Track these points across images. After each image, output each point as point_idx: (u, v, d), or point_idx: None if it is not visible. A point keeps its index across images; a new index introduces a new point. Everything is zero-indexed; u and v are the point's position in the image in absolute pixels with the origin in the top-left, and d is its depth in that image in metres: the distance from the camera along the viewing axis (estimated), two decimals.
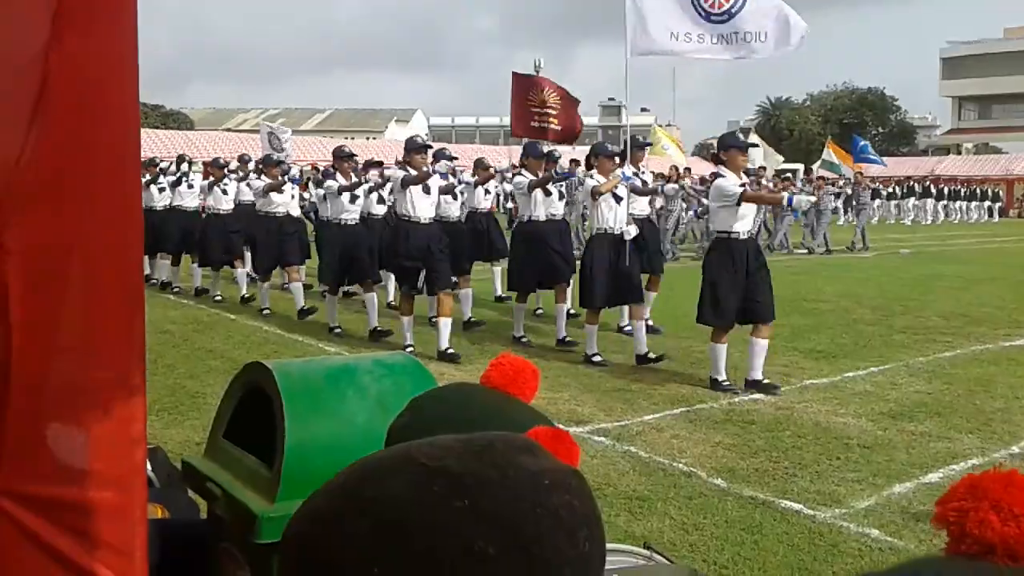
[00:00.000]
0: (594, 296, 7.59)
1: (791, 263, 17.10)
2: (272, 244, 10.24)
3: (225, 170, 12.14)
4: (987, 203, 39.58)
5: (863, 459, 5.11)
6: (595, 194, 7.61)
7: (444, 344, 7.71)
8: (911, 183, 38.82)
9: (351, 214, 9.12)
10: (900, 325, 9.71)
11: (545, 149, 9.55)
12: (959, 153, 59.89)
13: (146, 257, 12.63)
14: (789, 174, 28.07)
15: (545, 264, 8.42)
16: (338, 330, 9.02)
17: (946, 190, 38.63)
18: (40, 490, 1.37)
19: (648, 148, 10.19)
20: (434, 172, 8.05)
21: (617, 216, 7.65)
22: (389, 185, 9.76)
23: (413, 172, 7.87)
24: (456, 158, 9.70)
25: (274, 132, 18.79)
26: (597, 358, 7.61)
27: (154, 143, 34.95)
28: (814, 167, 25.64)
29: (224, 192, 11.63)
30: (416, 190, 7.79)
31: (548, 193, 8.56)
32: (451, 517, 0.59)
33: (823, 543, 3.95)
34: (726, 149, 6.83)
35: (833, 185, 24.44)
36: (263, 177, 10.69)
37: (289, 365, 2.02)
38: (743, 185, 6.72)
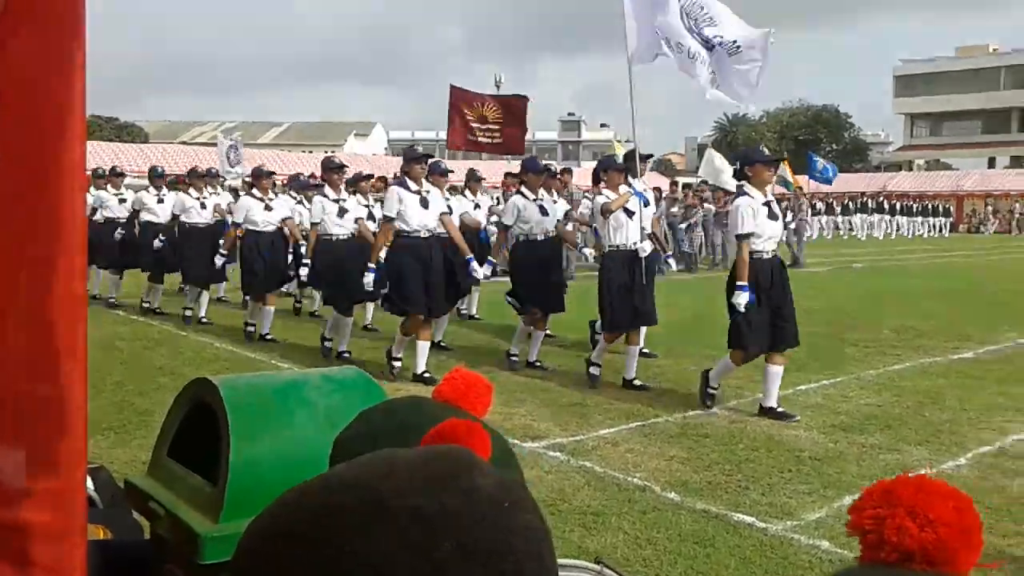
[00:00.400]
0: (619, 323, 7.28)
1: None
2: (259, 263, 9.53)
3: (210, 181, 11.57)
4: (938, 218, 40.48)
5: (814, 471, 5.17)
6: (605, 211, 7.31)
7: (421, 368, 7.47)
8: (864, 199, 39.61)
9: (343, 229, 8.69)
10: (852, 338, 9.84)
11: (543, 163, 9.01)
12: (911, 169, 61.14)
13: (107, 272, 12.29)
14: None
15: (543, 292, 8.00)
16: (347, 355, 8.52)
17: (898, 205, 39.51)
18: None
19: (651, 159, 9.47)
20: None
21: (629, 232, 7.34)
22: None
23: (411, 184, 7.50)
24: (452, 171, 9.31)
25: (235, 144, 18.61)
26: (595, 370, 7.40)
27: (107, 156, 34.42)
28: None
29: (203, 206, 10.91)
30: (413, 204, 7.43)
31: (545, 213, 8.19)
32: (438, 562, 0.58)
33: (774, 555, 3.98)
34: (751, 164, 6.47)
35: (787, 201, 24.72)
36: (255, 191, 9.87)
37: (235, 380, 2.00)
38: (767, 203, 6.41)
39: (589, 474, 5.09)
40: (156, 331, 10.05)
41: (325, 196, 8.79)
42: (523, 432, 5.90)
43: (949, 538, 0.67)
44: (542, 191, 8.36)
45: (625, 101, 7.70)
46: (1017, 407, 6.68)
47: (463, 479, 0.63)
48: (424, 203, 7.46)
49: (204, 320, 10.61)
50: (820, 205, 35.79)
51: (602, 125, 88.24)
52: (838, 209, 37.93)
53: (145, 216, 11.66)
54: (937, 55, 69.33)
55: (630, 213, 7.37)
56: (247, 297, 10.33)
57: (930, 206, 40.85)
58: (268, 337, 9.41)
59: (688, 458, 5.41)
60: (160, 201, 11.73)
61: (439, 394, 1.17)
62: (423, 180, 7.62)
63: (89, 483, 2.21)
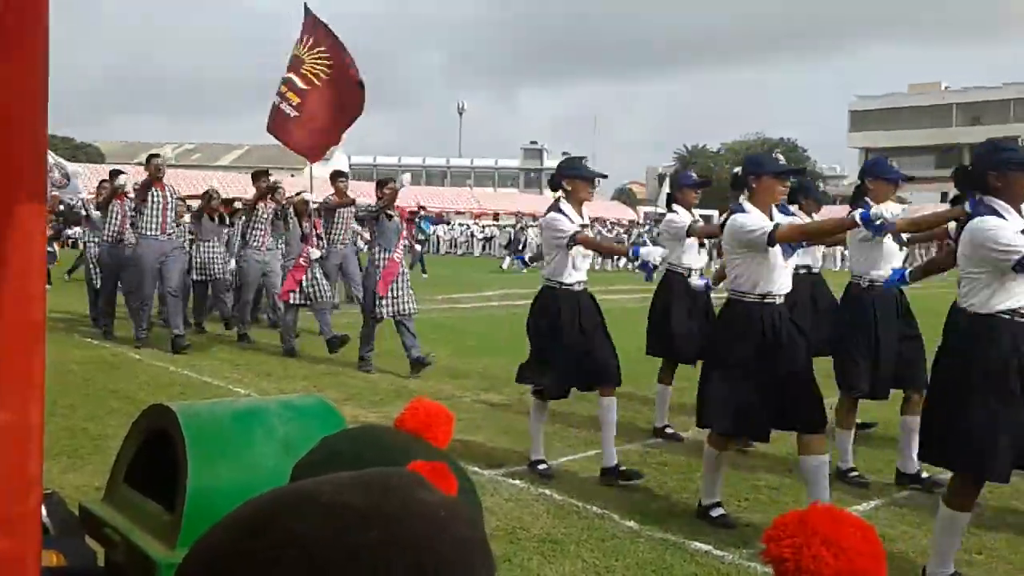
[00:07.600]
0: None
1: None
2: None
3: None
4: None
5: (770, 500, 5.22)
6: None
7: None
8: None
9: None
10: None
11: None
12: None
13: None
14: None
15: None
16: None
17: None
18: None
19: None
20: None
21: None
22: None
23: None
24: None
25: (59, 164, 16.71)
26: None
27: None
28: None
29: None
30: None
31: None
32: (363, 548, 0.59)
33: None
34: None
35: None
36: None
37: (194, 407, 1.99)
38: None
39: (548, 502, 5.09)
40: (110, 354, 9.88)
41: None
42: (483, 459, 5.89)
43: (861, 566, 0.70)
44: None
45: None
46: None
47: (401, 489, 0.65)
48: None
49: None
50: None
51: (563, 154, 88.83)
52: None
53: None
54: (891, 91, 71.00)
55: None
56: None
57: None
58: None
59: (647, 486, 5.43)
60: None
61: (401, 423, 1.17)
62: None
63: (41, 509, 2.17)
